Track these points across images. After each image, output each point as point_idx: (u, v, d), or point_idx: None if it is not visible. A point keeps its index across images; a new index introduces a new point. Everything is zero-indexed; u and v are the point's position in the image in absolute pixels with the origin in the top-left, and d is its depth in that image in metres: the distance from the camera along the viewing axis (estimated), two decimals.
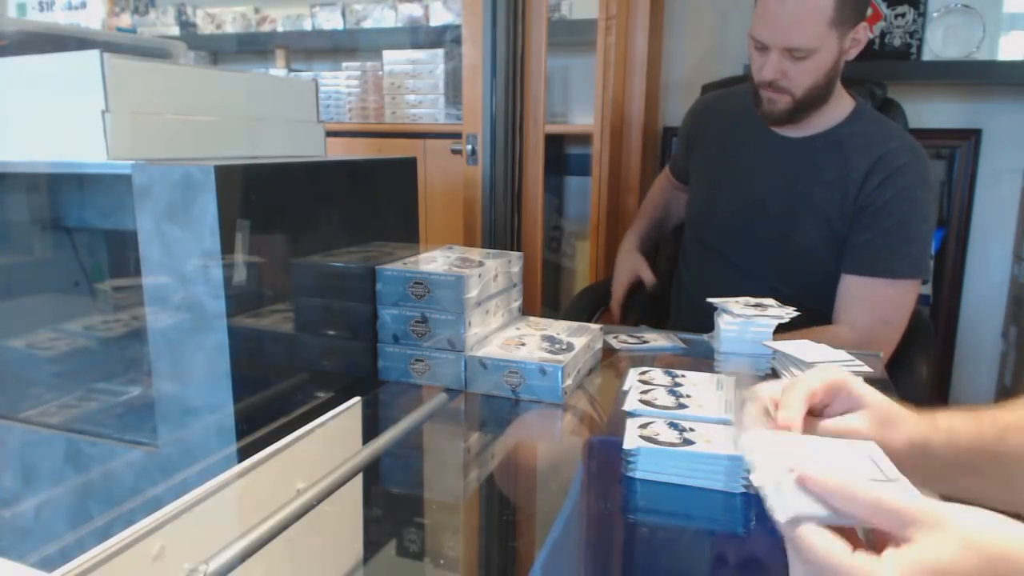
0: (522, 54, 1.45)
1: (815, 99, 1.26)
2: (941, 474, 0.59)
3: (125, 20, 2.90)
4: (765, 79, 1.23)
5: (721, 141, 1.44)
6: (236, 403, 0.77)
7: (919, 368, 1.30)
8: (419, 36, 2.54)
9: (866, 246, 1.24)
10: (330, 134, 1.14)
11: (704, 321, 1.17)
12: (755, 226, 1.34)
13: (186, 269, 0.75)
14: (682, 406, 0.81)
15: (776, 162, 1.34)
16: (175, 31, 2.87)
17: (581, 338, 1.01)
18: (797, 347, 0.96)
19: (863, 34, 1.23)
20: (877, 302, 1.24)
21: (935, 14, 1.93)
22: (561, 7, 2.33)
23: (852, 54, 1.25)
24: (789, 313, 1.04)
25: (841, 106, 1.31)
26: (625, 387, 0.89)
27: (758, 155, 1.37)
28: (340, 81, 2.56)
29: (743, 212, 1.35)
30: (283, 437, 0.63)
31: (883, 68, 1.94)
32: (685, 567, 0.62)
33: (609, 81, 1.95)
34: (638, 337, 1.16)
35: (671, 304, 1.58)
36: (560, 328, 1.07)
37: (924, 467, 0.57)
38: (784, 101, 1.26)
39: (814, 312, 1.22)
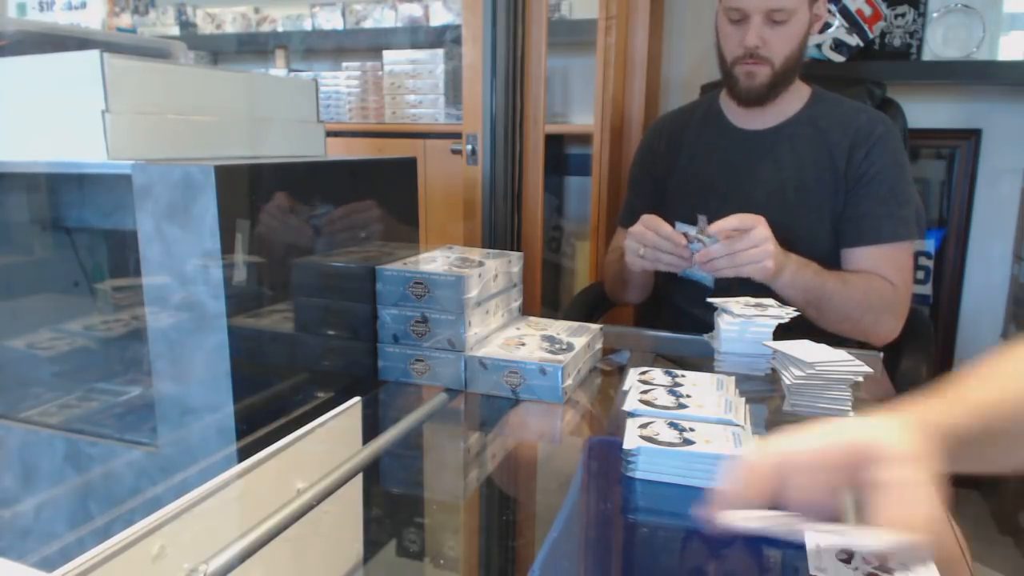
0: (522, 54, 1.45)
1: (788, 73, 1.31)
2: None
3: (125, 20, 2.90)
4: (749, 44, 1.26)
5: (690, 153, 1.43)
6: (236, 403, 0.77)
7: (919, 368, 1.31)
8: (419, 36, 2.54)
9: (867, 217, 1.28)
10: (330, 134, 1.14)
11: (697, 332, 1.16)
12: None
13: (186, 269, 0.75)
14: (682, 406, 0.81)
15: (754, 156, 1.35)
16: (175, 31, 2.88)
17: (581, 338, 1.01)
18: (797, 347, 0.96)
19: (823, 9, 1.31)
20: (892, 268, 1.28)
21: (935, 14, 1.93)
22: (561, 7, 2.34)
23: (816, 28, 1.32)
24: (789, 313, 1.04)
25: (800, 93, 1.37)
26: (625, 387, 0.89)
27: (733, 155, 1.38)
28: (340, 81, 2.56)
29: (733, 213, 1.35)
30: (283, 437, 0.63)
31: (883, 68, 1.94)
32: (685, 567, 0.62)
33: (609, 81, 1.95)
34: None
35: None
36: (560, 328, 1.07)
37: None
38: (764, 73, 1.29)
39: None
